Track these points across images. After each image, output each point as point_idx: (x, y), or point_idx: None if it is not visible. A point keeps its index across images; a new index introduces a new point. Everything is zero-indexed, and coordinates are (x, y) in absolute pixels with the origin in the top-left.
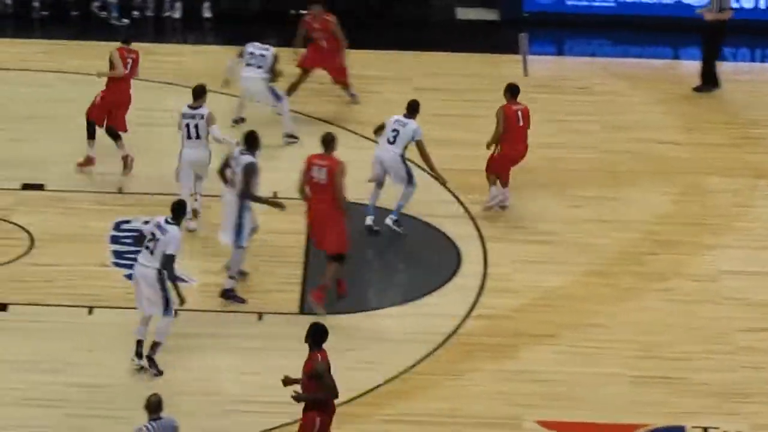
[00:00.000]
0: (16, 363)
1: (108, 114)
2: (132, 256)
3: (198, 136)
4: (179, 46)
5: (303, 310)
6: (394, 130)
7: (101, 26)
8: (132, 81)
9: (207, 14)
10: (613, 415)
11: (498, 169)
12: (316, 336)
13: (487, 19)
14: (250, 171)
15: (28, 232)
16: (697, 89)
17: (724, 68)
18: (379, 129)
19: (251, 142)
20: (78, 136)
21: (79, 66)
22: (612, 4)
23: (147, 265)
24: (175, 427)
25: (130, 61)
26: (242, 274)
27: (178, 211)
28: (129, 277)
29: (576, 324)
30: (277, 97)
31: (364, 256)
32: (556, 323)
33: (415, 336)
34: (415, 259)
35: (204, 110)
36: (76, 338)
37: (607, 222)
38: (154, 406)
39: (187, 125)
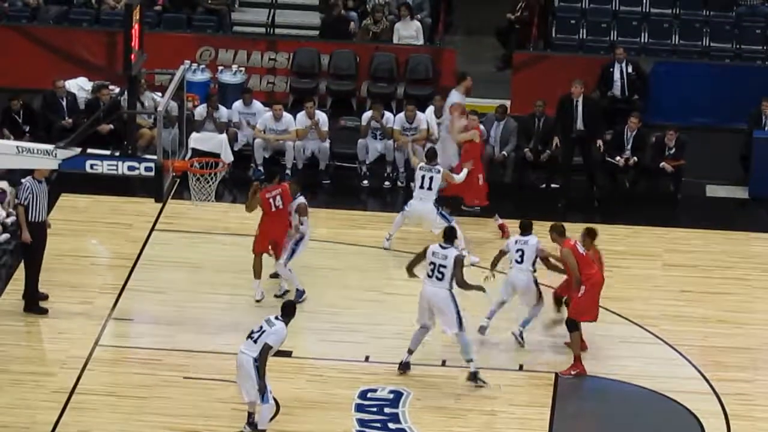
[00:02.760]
0: None
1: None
2: (378, 425)
3: (430, 188)
4: None
5: None
6: (518, 250)
7: (348, 193)
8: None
9: None
10: None
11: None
12: None
13: (736, 197)
14: (460, 262)
15: (274, 398)
16: None
17: None
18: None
19: (449, 235)
20: (320, 303)
21: (326, 234)
22: None
23: (245, 352)
24: None
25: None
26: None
27: (288, 310)
28: None
29: None
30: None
31: (605, 428)
32: None
33: None
34: None
35: (441, 168)
36: None
37: None
38: None
39: (423, 176)
